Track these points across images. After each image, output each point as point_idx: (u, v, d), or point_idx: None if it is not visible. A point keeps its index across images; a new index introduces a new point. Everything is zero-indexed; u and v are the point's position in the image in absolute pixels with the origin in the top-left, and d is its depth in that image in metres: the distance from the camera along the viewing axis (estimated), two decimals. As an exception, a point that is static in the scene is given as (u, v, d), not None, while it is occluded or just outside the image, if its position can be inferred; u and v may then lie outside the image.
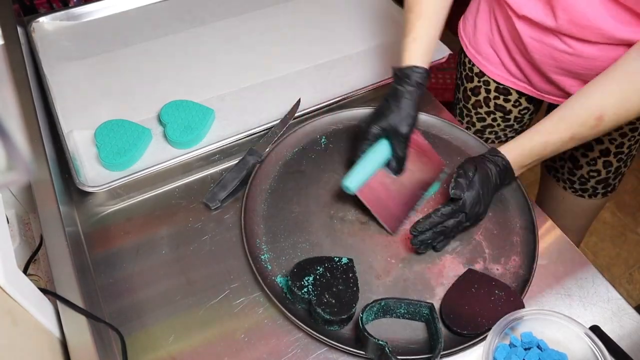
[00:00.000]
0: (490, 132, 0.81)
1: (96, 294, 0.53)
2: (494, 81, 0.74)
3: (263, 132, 0.65)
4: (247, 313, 0.52)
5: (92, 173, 0.60)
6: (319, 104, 0.67)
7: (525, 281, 0.53)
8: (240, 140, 0.64)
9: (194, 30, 0.79)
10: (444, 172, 0.63)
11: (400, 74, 0.58)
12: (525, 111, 0.78)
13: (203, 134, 0.65)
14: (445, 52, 0.73)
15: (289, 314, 0.50)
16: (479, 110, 0.79)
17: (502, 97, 0.76)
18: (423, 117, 0.68)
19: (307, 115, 0.68)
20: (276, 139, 0.64)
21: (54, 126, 0.64)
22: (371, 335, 0.46)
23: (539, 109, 0.81)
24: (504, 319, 0.48)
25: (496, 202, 0.61)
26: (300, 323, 0.49)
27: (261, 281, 0.52)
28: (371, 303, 0.49)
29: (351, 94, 0.69)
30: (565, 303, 0.53)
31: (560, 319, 0.47)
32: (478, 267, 0.55)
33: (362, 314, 0.48)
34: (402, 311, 0.51)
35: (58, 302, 0.45)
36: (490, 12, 0.69)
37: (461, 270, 0.55)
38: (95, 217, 0.60)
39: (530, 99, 0.75)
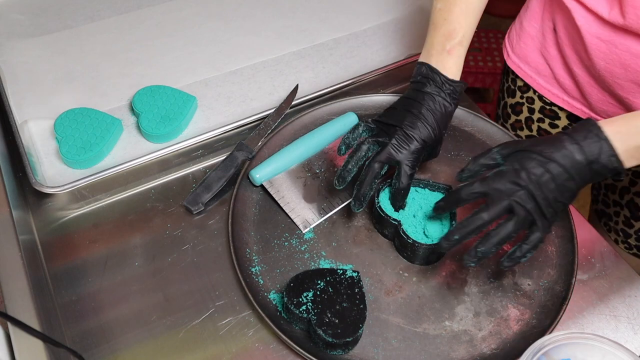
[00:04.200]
0: None
1: (55, 315, 0.52)
2: (540, 98, 0.70)
3: (254, 124, 0.65)
4: (235, 335, 0.52)
5: (52, 171, 0.60)
6: (319, 91, 0.67)
7: (562, 299, 0.53)
8: (227, 133, 0.63)
9: (173, 3, 0.78)
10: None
11: (433, 79, 0.54)
12: None
13: (183, 126, 0.64)
14: (467, 29, 0.73)
15: (284, 337, 0.49)
16: (518, 132, 0.76)
17: (547, 120, 0.71)
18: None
19: (306, 104, 0.67)
20: (269, 131, 0.64)
21: (6, 116, 0.63)
22: (387, 215, 0.55)
23: None
24: (537, 343, 0.47)
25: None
26: (298, 347, 0.49)
27: (251, 298, 0.51)
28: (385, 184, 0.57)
29: (357, 78, 0.68)
30: (610, 325, 0.53)
31: (604, 344, 0.47)
32: (506, 281, 0.55)
33: (377, 196, 0.56)
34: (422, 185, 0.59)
35: (9, 325, 0.44)
36: (543, 8, 0.64)
37: (486, 284, 0.55)
38: (55, 223, 0.59)
39: None
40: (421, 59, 0.57)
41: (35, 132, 0.63)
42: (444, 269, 0.56)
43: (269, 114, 0.65)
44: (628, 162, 0.46)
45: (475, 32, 0.74)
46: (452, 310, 0.53)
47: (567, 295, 0.53)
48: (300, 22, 0.77)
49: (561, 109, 0.69)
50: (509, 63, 0.72)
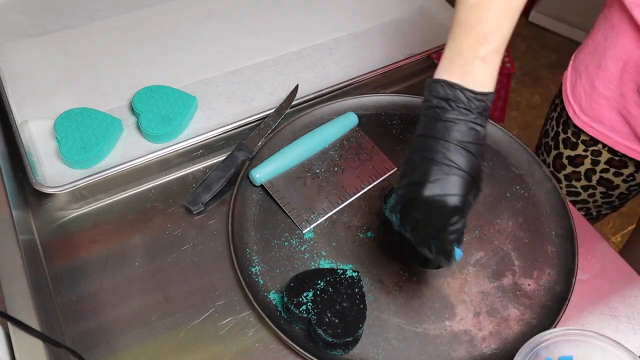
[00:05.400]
0: (579, 209, 0.74)
1: (55, 314, 0.52)
2: (610, 150, 0.67)
3: (254, 124, 0.65)
4: (235, 335, 0.52)
5: (52, 171, 0.60)
6: (319, 91, 0.67)
7: (562, 299, 0.53)
8: (227, 133, 0.63)
9: (173, 3, 0.78)
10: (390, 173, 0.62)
11: (456, 99, 0.43)
12: (636, 187, 0.70)
13: (184, 126, 0.64)
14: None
15: (284, 336, 0.49)
16: (573, 182, 0.72)
17: (613, 169, 0.68)
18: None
19: (306, 104, 0.67)
20: (269, 131, 0.64)
21: (5, 116, 0.63)
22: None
23: None
24: (538, 336, 0.47)
25: (526, 205, 0.60)
26: (298, 347, 0.49)
27: (252, 298, 0.51)
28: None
29: (357, 78, 0.68)
30: (610, 325, 0.53)
31: (605, 342, 0.47)
32: (506, 281, 0.55)
33: (385, 205, 0.54)
34: None
35: (9, 325, 0.44)
36: (622, 70, 0.60)
37: (486, 284, 0.55)
38: (55, 223, 0.59)
39: None
40: (439, 73, 0.45)
41: (35, 132, 0.63)
42: (444, 268, 0.56)
43: (269, 114, 0.65)
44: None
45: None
46: (452, 310, 0.53)
47: (567, 295, 0.53)
48: (300, 22, 0.77)
49: (632, 158, 0.66)
50: (576, 122, 0.68)
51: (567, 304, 0.52)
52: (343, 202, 0.60)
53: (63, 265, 0.56)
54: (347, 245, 0.57)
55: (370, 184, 0.62)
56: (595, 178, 0.71)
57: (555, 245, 0.57)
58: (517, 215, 0.60)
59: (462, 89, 0.43)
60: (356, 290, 0.51)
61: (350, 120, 0.65)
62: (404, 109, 0.68)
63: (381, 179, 0.62)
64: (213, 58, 0.72)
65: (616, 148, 0.67)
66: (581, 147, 0.70)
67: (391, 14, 0.78)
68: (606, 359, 0.47)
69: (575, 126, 0.69)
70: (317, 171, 0.62)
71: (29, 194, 0.60)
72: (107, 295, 0.54)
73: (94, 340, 0.51)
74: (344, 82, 0.68)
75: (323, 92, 0.67)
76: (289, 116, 0.66)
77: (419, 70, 0.74)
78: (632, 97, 0.61)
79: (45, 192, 0.57)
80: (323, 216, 0.59)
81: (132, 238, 0.58)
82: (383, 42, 0.74)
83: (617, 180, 0.70)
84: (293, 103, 0.66)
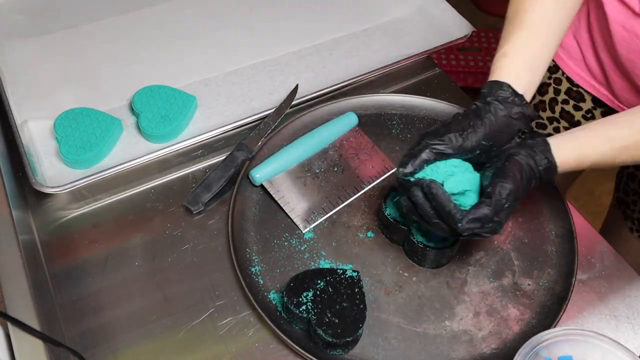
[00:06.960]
0: None
1: (55, 314, 0.52)
2: (568, 80, 0.72)
3: (254, 124, 0.65)
4: (235, 335, 0.52)
5: (52, 171, 0.60)
6: (319, 91, 0.67)
7: (562, 299, 0.53)
8: (227, 133, 0.63)
9: (173, 3, 0.78)
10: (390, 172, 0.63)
11: (484, 92, 0.52)
12: None
13: (183, 126, 0.64)
14: (467, 29, 0.73)
15: (284, 336, 0.49)
16: (540, 114, 0.77)
17: (572, 102, 0.73)
18: (441, 105, 0.68)
19: (305, 104, 0.67)
20: (269, 131, 0.64)
21: (5, 115, 0.63)
22: (396, 220, 0.55)
23: None
24: (537, 336, 0.47)
25: (526, 205, 0.60)
26: (298, 347, 0.49)
27: (251, 298, 0.51)
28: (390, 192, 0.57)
29: (357, 78, 0.68)
30: (610, 325, 0.53)
31: (605, 342, 0.47)
32: (506, 281, 0.55)
33: (384, 204, 0.56)
34: None
35: (9, 325, 0.44)
36: None
37: (486, 284, 0.55)
38: (55, 223, 0.59)
39: (605, 112, 0.71)
40: None
41: (35, 132, 0.63)
42: (444, 268, 0.56)
43: (269, 114, 0.65)
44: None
45: (475, 32, 0.74)
46: (452, 310, 0.53)
47: (567, 295, 0.53)
48: (300, 22, 0.76)
49: (587, 92, 0.71)
50: None
51: (567, 304, 0.52)
52: (343, 202, 0.60)
53: (63, 265, 0.56)
54: (347, 245, 0.57)
55: (370, 184, 0.62)
56: (557, 109, 0.75)
57: (555, 245, 0.57)
58: (517, 215, 0.60)
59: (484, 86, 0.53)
60: (356, 290, 0.51)
61: (350, 120, 0.65)
62: (404, 109, 0.68)
63: (381, 179, 0.62)
64: (213, 58, 0.72)
65: (570, 75, 0.71)
66: (546, 74, 0.73)
67: (391, 14, 0.78)
68: (606, 359, 0.47)
69: None
70: (317, 171, 0.62)
71: (29, 194, 0.60)
72: (107, 295, 0.54)
73: (94, 340, 0.51)
74: (344, 82, 0.68)
75: (323, 92, 0.67)
76: (289, 116, 0.66)
77: (419, 70, 0.74)
78: (584, 21, 0.65)
79: (45, 192, 0.57)
80: (323, 216, 0.59)
81: (132, 238, 0.58)
82: (383, 42, 0.74)
83: (577, 115, 0.73)
84: (293, 103, 0.66)
